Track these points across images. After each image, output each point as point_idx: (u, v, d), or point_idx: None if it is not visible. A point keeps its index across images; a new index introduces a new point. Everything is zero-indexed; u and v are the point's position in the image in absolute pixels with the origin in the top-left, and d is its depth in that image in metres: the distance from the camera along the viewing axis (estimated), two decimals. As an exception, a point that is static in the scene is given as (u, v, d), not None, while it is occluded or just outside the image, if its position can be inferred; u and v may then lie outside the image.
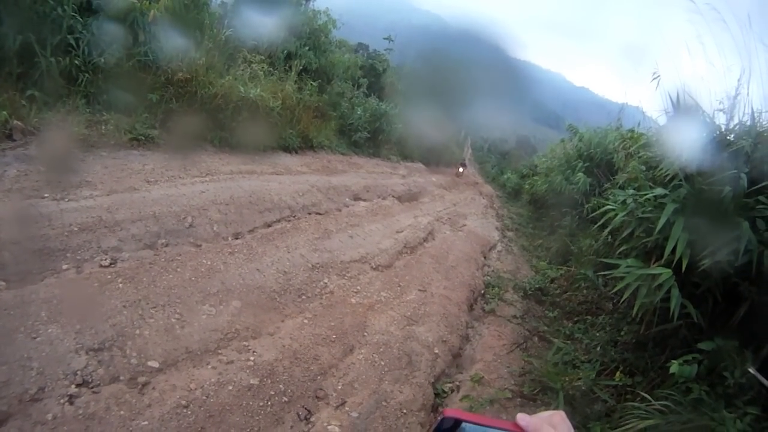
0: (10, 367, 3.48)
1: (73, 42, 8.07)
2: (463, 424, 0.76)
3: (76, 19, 8.13)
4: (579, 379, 5.47)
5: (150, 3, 9.18)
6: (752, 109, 5.48)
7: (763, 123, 5.43)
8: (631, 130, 9.45)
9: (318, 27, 16.68)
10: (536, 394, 5.54)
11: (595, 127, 13.60)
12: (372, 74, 20.03)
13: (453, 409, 0.78)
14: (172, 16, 9.60)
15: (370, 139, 16.70)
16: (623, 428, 3.98)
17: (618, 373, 5.36)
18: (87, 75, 8.09)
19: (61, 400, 3.43)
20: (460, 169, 24.64)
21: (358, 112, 16.55)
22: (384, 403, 4.63)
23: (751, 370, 3.78)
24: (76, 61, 8.01)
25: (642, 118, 9.15)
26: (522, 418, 0.80)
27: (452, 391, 5.44)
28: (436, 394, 5.24)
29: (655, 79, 6.62)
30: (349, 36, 20.73)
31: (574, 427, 2.81)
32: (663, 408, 3.99)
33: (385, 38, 21.81)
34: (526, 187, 20.18)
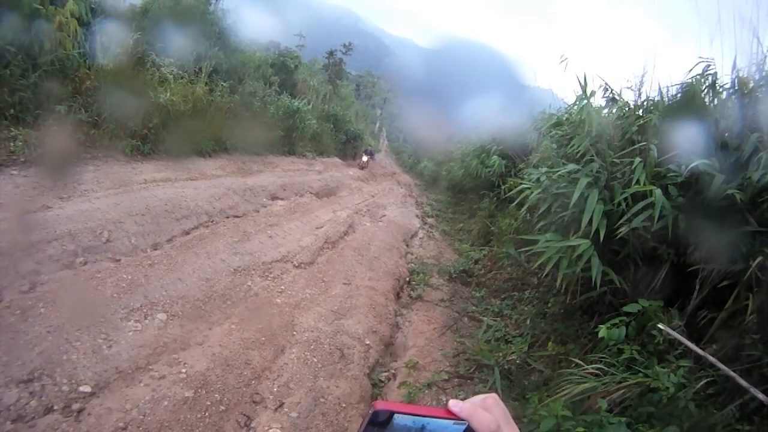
0: None
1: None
2: (395, 416, 0.74)
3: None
4: (512, 353, 5.61)
5: (56, 8, 8.92)
6: (659, 85, 5.82)
7: (669, 97, 5.77)
8: (542, 112, 9.76)
9: (227, 26, 16.47)
10: (472, 373, 5.65)
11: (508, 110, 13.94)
12: (284, 71, 19.99)
13: (383, 401, 0.78)
14: (78, 22, 9.37)
15: (284, 137, 16.67)
16: (560, 395, 4.05)
17: (550, 343, 5.50)
18: (-12, 89, 7.82)
19: (-3, 439, 3.36)
20: (364, 158, 24.19)
21: (271, 110, 16.49)
22: (322, 400, 4.64)
23: (661, 326, 4.00)
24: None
25: (552, 99, 9.45)
26: (454, 404, 0.77)
27: (389, 379, 5.51)
28: (373, 385, 5.28)
29: (563, 61, 6.88)
30: (259, 33, 20.54)
31: (514, 399, 3.03)
32: (597, 371, 4.12)
33: (296, 35, 21.76)
34: (443, 173, 20.40)
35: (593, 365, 4.24)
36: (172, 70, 12.01)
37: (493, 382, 5.04)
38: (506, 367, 5.43)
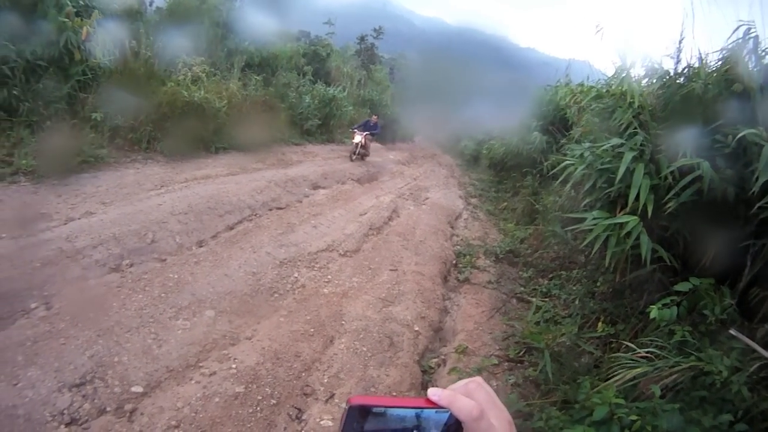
0: None
1: (8, 71, 7.92)
2: (373, 410, 0.72)
3: (8, 47, 7.98)
4: (562, 335, 5.50)
5: (82, 20, 9.02)
6: (699, 51, 5.59)
7: (710, 64, 5.53)
8: (581, 84, 9.53)
9: (255, 20, 16.39)
10: (522, 356, 5.59)
11: (545, 85, 13.68)
12: (316, 60, 19.98)
13: (359, 395, 0.74)
14: (106, 30, 9.46)
15: (322, 125, 16.68)
16: (612, 381, 3.97)
17: (600, 324, 5.41)
18: (27, 103, 7.96)
19: (53, 443, 3.39)
20: (357, 138, 16.19)
21: (307, 101, 16.54)
22: (373, 389, 4.63)
23: (733, 332, 3.85)
24: (15, 91, 7.87)
25: (590, 71, 9.22)
26: (434, 392, 0.75)
27: (438, 365, 5.45)
28: (423, 371, 5.24)
29: (599, 31, 6.68)
30: (288, 24, 20.53)
31: (564, 382, 2.92)
32: (649, 354, 4.02)
33: (325, 23, 21.70)
34: (484, 152, 20.06)
35: (645, 348, 4.14)
36: (204, 69, 12.05)
37: (543, 366, 4.92)
38: (556, 349, 5.30)
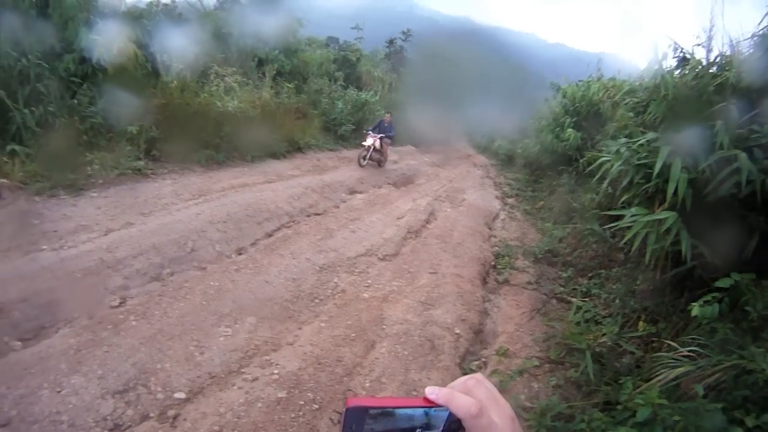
0: (41, 424, 3.47)
1: (43, 89, 8.04)
2: (370, 411, 0.72)
3: (42, 66, 8.11)
4: (603, 335, 5.46)
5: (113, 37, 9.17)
6: (730, 38, 5.45)
7: (742, 51, 5.39)
8: (613, 79, 9.41)
9: (284, 28, 16.52)
10: (563, 357, 5.54)
11: (577, 80, 13.53)
12: (346, 66, 20.03)
13: (356, 397, 0.74)
14: (138, 45, 9.60)
15: (355, 130, 16.70)
16: (655, 381, 3.91)
17: (641, 323, 5.37)
18: (63, 119, 8.06)
19: (96, 448, 3.43)
20: (369, 141, 14.23)
21: (339, 106, 16.63)
22: (414, 393, 4.55)
23: None
24: (51, 108, 7.99)
25: (621, 65, 9.11)
26: (431, 390, 0.75)
27: (480, 368, 5.41)
28: (464, 374, 5.15)
29: (629, 24, 6.56)
30: (316, 32, 20.64)
31: (606, 383, 2.83)
32: (691, 353, 3.95)
33: (353, 28, 21.74)
34: (519, 151, 19.92)
35: (687, 347, 4.08)
36: (237, 79, 12.15)
37: (585, 367, 4.92)
38: (597, 350, 5.27)
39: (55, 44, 8.48)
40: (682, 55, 6.15)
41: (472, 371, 5.21)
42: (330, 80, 17.92)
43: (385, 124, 14.85)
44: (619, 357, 5.14)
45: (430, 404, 0.74)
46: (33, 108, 7.79)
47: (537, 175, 16.86)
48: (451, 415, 0.73)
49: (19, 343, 4.31)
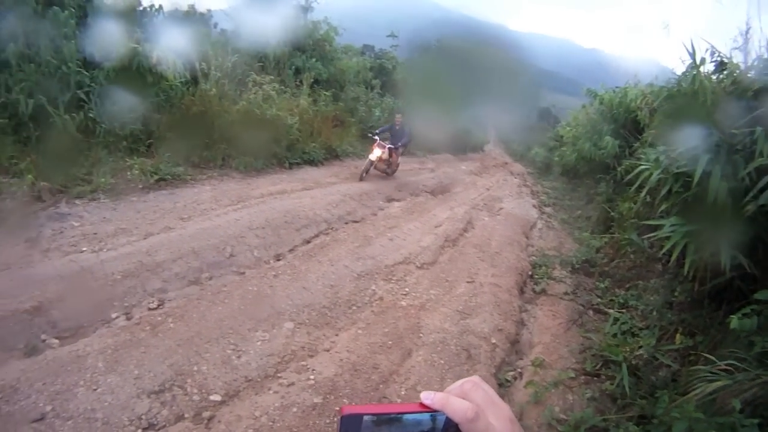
0: (76, 421, 3.52)
1: (83, 96, 8.21)
2: (365, 419, 0.72)
3: (82, 73, 8.29)
4: (640, 347, 5.43)
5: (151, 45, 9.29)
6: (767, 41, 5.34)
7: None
8: (651, 85, 9.27)
9: (320, 37, 16.75)
10: (599, 370, 5.51)
11: (614, 87, 13.37)
12: (382, 74, 20.03)
13: (350, 405, 0.73)
14: (177, 53, 9.71)
15: (393, 138, 16.75)
16: (691, 394, 3.86)
17: (678, 336, 5.28)
18: (103, 125, 8.20)
19: (130, 447, 3.48)
20: (377, 152, 12.29)
21: (377, 114, 16.66)
22: None
23: None
24: (91, 114, 8.13)
25: (659, 70, 8.95)
26: (426, 395, 0.74)
27: (515, 378, 5.40)
28: (500, 385, 5.18)
29: (665, 28, 6.47)
30: (352, 40, 20.71)
31: (642, 397, 2.75)
32: (728, 367, 3.88)
33: (388, 36, 21.75)
34: (556, 159, 19.84)
35: (724, 361, 4.00)
36: (274, 86, 12.22)
37: (620, 379, 4.90)
38: (633, 362, 5.25)
39: (94, 52, 8.60)
40: (719, 59, 6.03)
41: (507, 382, 5.30)
42: (367, 88, 17.98)
43: (397, 127, 13.15)
44: (656, 370, 5.11)
45: (426, 409, 0.74)
46: (74, 114, 7.92)
47: (574, 183, 16.78)
48: (448, 419, 0.73)
49: (57, 341, 4.38)
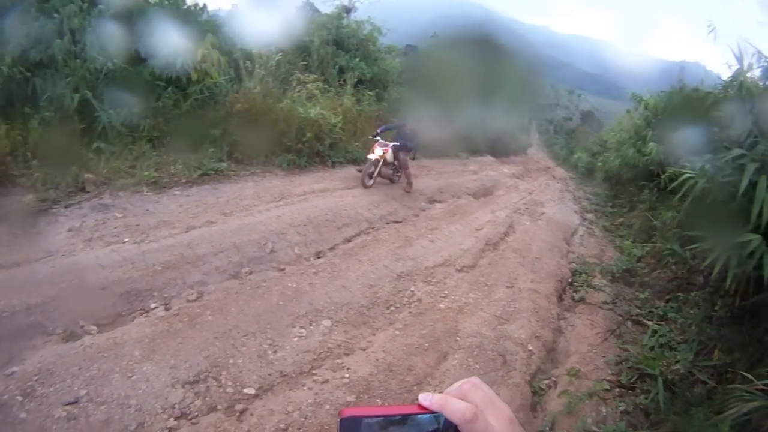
0: (109, 406, 3.58)
1: (128, 91, 8.33)
2: (363, 420, 0.71)
3: (127, 69, 8.49)
4: (677, 362, 5.36)
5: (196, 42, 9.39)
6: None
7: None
8: (696, 89, 9.07)
9: (364, 37, 16.83)
10: (634, 383, 5.42)
11: (659, 91, 13.10)
12: (425, 74, 19.94)
13: (349, 407, 0.79)
14: (221, 51, 9.80)
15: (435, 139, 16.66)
16: (727, 414, 3.80)
17: (716, 352, 5.21)
18: (148, 120, 8.33)
19: (161, 434, 3.54)
20: (378, 151, 10.37)
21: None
22: None
23: None
24: (135, 109, 8.25)
25: (704, 75, 8.76)
26: (424, 397, 0.74)
27: (549, 387, 5.34)
28: (534, 393, 5.13)
29: (711, 32, 6.31)
30: (395, 40, 20.68)
31: (676, 413, 2.66)
32: (766, 387, 3.81)
33: (431, 36, 21.70)
34: (599, 164, 19.52)
35: (762, 380, 3.92)
36: (318, 86, 12.26)
37: (655, 394, 4.85)
38: (669, 377, 5.18)
39: (140, 49, 8.74)
40: (766, 64, 5.88)
41: (542, 390, 5.23)
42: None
43: (401, 126, 10.98)
44: (691, 386, 5.02)
45: (424, 411, 0.73)
46: (118, 109, 8.06)
47: (617, 189, 16.47)
48: (447, 420, 0.73)
49: (95, 327, 4.46)
